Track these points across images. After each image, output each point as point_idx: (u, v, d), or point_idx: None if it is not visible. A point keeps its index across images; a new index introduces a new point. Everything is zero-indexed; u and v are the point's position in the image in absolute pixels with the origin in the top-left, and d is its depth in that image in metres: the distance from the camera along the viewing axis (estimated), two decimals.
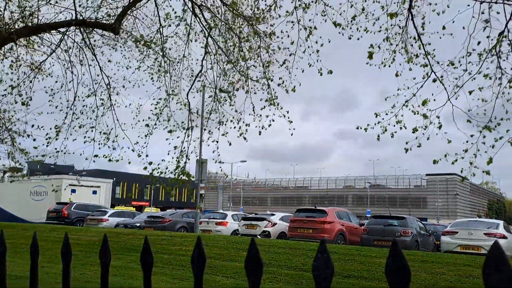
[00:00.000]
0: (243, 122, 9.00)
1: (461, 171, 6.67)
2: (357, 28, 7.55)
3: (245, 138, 9.02)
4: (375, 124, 7.06)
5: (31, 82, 9.03)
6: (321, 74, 8.20)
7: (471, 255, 13.63)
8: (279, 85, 8.74)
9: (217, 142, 8.93)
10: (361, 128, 7.24)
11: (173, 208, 50.79)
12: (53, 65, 9.67)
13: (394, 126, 7.11)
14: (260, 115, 8.87)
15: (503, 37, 6.18)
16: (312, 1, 7.81)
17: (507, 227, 16.43)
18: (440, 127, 6.83)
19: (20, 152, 9.35)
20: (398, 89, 7.04)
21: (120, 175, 68.38)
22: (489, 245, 14.86)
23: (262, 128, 8.82)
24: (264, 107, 8.88)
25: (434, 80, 6.93)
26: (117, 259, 8.76)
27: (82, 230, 16.27)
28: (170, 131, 8.64)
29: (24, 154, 9.25)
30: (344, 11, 7.67)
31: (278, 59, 8.90)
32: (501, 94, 6.41)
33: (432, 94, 7.01)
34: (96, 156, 8.62)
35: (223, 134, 8.99)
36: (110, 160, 8.82)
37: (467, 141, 6.49)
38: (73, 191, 31.42)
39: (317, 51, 8.06)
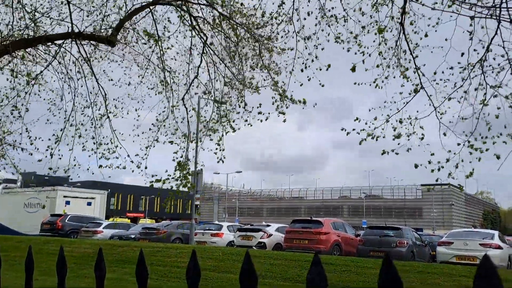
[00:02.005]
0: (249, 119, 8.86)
1: (436, 180, 6.73)
2: (358, 42, 7.61)
3: (223, 156, 8.87)
4: (371, 136, 7.08)
5: (26, 92, 9.03)
6: (322, 86, 8.27)
7: (467, 265, 13.63)
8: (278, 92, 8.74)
9: (222, 150, 8.80)
10: (348, 131, 7.24)
11: (168, 219, 50.54)
12: (52, 79, 9.70)
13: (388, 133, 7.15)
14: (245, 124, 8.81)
15: (488, 51, 6.28)
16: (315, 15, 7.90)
17: (502, 238, 16.47)
18: (422, 138, 6.90)
19: (12, 166, 9.29)
20: (384, 102, 7.13)
21: (115, 187, 68.03)
22: None
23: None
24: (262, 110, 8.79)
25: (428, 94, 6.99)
26: (112, 272, 8.70)
27: (76, 242, 16.14)
28: (171, 142, 8.61)
29: (15, 167, 9.19)
30: (344, 24, 7.76)
31: (280, 66, 8.92)
32: (481, 109, 6.51)
33: (425, 105, 7.09)
34: (100, 166, 8.58)
35: (221, 151, 8.87)
36: (109, 167, 8.78)
37: (449, 151, 6.57)
38: (68, 202, 31.19)
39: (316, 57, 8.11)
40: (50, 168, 8.67)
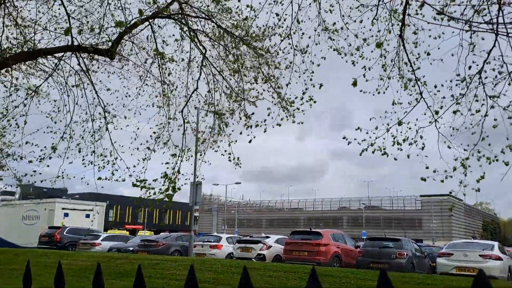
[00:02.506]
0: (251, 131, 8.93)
1: (450, 192, 6.67)
2: (361, 55, 7.65)
3: (239, 165, 9.00)
4: (372, 145, 7.06)
5: (25, 106, 9.05)
6: (314, 86, 8.27)
7: (467, 277, 13.56)
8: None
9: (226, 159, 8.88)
10: (349, 141, 7.23)
11: (167, 231, 50.32)
12: (52, 89, 9.72)
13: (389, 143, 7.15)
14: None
15: (486, 63, 6.34)
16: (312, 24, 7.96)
17: (502, 248, 16.41)
18: (423, 148, 6.91)
19: (14, 178, 9.26)
20: (385, 112, 7.15)
21: (113, 198, 67.78)
22: (485, 266, 14.83)
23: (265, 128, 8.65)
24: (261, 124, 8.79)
25: (428, 106, 7.01)
26: (110, 284, 8.64)
27: (74, 254, 16.04)
28: (173, 155, 8.60)
29: (17, 180, 9.16)
30: (346, 37, 7.83)
31: (278, 76, 8.95)
32: (482, 119, 6.52)
33: (425, 114, 7.12)
34: (99, 178, 8.54)
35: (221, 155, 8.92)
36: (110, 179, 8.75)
37: (455, 159, 6.55)
38: (66, 214, 31.08)
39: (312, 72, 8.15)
40: (43, 180, 8.64)
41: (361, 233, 61.98)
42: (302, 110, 8.65)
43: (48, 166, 8.81)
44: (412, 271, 15.25)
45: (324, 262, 15.75)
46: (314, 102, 8.35)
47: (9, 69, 8.88)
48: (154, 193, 7.74)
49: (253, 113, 9.09)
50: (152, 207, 8.38)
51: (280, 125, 8.76)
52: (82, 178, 9.04)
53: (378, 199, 78.40)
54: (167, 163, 8.34)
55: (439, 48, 7.00)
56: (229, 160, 8.94)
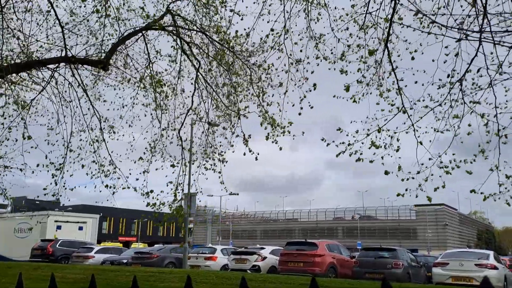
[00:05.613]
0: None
1: (406, 190, 6.64)
2: (348, 61, 7.67)
3: (220, 175, 8.86)
4: (351, 149, 7.04)
5: (24, 120, 8.98)
6: (311, 107, 8.27)
7: (463, 286, 13.54)
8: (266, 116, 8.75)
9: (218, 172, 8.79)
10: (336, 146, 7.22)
11: (161, 243, 49.94)
12: (48, 101, 9.67)
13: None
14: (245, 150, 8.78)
15: (468, 71, 6.38)
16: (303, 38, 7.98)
17: (498, 258, 16.40)
18: (397, 150, 6.92)
19: (3, 191, 9.14)
20: (366, 117, 7.11)
21: (106, 210, 67.20)
22: (481, 276, 14.76)
23: (254, 155, 8.61)
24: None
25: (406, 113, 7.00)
26: None
27: (67, 267, 15.84)
28: (172, 165, 8.56)
29: (4, 194, 9.05)
30: (334, 47, 7.86)
31: (270, 90, 8.90)
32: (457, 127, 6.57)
33: (404, 123, 7.12)
34: (107, 186, 8.48)
35: (217, 171, 8.85)
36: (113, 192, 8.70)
37: (422, 164, 6.57)
38: (59, 227, 30.76)
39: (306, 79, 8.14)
40: (56, 199, 8.57)
41: (356, 243, 61.82)
42: (288, 125, 8.64)
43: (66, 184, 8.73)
44: (408, 281, 15.19)
45: (320, 273, 15.65)
46: (312, 107, 8.33)
47: (3, 80, 8.82)
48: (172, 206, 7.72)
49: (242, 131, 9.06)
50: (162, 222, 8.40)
51: (276, 141, 8.68)
52: (71, 189, 8.94)
53: (372, 209, 78.41)
54: (170, 182, 8.26)
55: (422, 53, 7.01)
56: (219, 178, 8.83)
